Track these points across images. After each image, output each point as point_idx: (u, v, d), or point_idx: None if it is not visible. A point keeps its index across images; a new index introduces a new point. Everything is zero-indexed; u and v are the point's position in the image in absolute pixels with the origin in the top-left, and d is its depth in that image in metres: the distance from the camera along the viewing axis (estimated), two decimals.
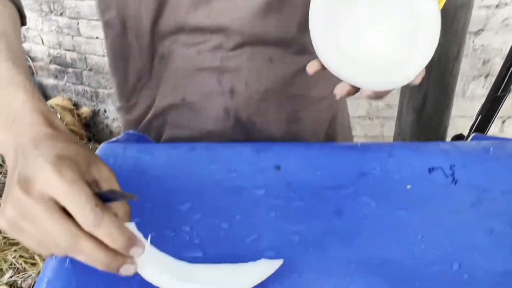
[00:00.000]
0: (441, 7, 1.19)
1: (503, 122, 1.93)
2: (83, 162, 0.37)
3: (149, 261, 0.39)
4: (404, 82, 0.47)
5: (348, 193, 0.52)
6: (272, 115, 0.65)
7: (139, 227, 0.43)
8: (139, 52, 0.63)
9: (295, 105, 0.66)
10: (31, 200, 0.33)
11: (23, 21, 0.51)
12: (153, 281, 0.39)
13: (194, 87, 0.64)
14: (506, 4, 1.68)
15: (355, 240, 0.46)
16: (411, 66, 0.47)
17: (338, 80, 0.74)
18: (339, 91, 0.49)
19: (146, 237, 0.41)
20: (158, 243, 0.42)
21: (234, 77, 0.62)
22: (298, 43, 0.62)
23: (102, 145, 0.58)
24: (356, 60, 0.47)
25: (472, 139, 0.67)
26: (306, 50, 0.63)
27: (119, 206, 0.39)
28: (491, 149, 0.58)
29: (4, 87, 0.40)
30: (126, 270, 0.37)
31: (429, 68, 1.27)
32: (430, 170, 0.55)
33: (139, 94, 0.68)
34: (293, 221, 0.48)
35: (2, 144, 0.39)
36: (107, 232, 0.34)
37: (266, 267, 0.40)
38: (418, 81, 0.48)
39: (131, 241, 0.36)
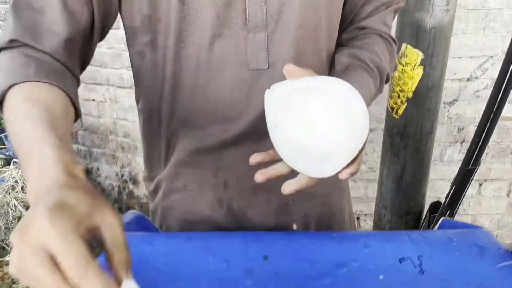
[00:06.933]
0: (414, 88, 1.30)
1: (480, 185, 2.03)
2: (84, 209, 0.38)
3: None
4: (331, 173, 0.51)
5: (328, 283, 0.59)
6: (262, 208, 0.73)
7: None
8: (158, 138, 0.74)
9: (285, 200, 0.73)
10: (25, 247, 0.35)
11: (77, 114, 0.56)
12: None
13: (194, 177, 0.73)
14: (476, 77, 1.82)
15: None
16: (339, 160, 0.50)
17: (330, 179, 0.82)
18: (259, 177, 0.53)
19: None
20: None
21: (227, 172, 0.71)
22: None
23: None
24: (299, 148, 0.52)
25: (440, 226, 0.75)
26: None
27: (117, 258, 0.39)
28: (455, 239, 0.66)
29: (37, 145, 0.45)
30: None
31: (406, 141, 1.37)
32: (401, 260, 0.62)
33: (157, 172, 0.77)
34: None
35: (29, 193, 0.43)
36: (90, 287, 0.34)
37: None
38: (344, 176, 0.51)
39: None
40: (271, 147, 0.70)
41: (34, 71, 0.53)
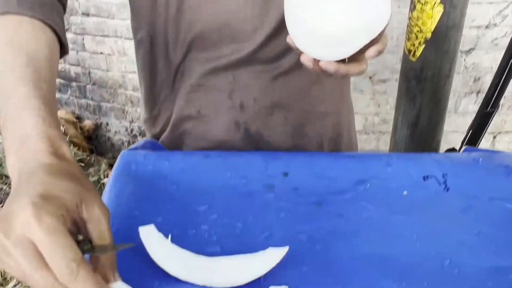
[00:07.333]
0: (433, 28, 1.26)
1: (494, 137, 2.00)
2: (71, 200, 0.36)
3: (171, 257, 0.44)
4: (350, 53, 0.50)
5: (349, 198, 0.57)
6: (279, 128, 0.71)
7: (162, 225, 0.48)
8: (164, 67, 0.70)
9: (301, 119, 0.72)
10: (11, 242, 0.33)
11: (64, 49, 0.54)
12: (178, 275, 0.44)
13: (208, 101, 0.70)
14: (495, 25, 1.76)
15: (356, 239, 0.51)
16: (360, 38, 0.50)
17: (343, 98, 0.79)
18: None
19: (166, 235, 0.46)
20: (182, 240, 0.47)
21: (243, 93, 0.68)
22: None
23: (122, 152, 0.63)
24: (317, 35, 0.52)
25: (463, 151, 0.73)
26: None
27: (103, 258, 0.38)
28: (480, 160, 0.64)
29: (20, 110, 0.41)
30: None
31: (423, 85, 1.33)
32: (425, 178, 0.61)
33: (162, 105, 0.74)
34: (301, 221, 0.53)
35: (10, 167, 0.40)
36: None
37: (274, 254, 0.45)
38: (372, 53, 0.50)
39: None
40: (288, 65, 0.68)
41: (17, 1, 0.49)
